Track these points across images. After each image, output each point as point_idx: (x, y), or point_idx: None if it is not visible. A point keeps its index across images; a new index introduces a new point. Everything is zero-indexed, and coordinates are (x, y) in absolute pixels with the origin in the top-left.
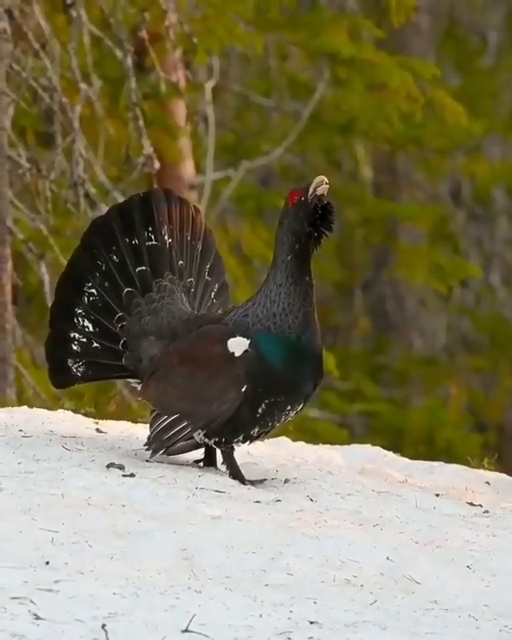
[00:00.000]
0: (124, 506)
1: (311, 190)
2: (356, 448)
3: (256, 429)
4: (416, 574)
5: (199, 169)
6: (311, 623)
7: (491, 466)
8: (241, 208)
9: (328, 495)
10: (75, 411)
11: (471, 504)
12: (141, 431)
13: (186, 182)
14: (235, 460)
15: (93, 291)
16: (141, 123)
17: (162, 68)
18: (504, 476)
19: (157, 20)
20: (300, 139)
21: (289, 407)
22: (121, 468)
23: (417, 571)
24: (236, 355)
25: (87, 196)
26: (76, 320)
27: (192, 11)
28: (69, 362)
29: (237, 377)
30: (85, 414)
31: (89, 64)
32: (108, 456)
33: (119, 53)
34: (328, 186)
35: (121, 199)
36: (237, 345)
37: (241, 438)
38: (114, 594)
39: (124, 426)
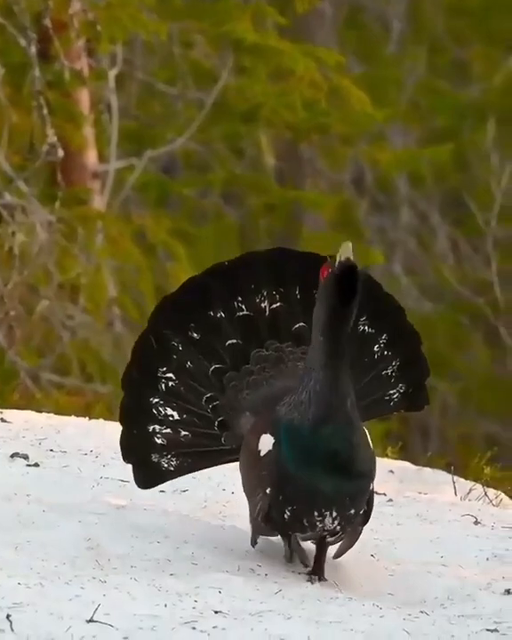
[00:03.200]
0: (28, 496)
1: (338, 259)
2: None
3: (296, 534)
4: None
5: (103, 157)
6: (216, 612)
7: (394, 454)
8: (144, 196)
9: (233, 485)
10: None
11: (375, 493)
12: (45, 421)
13: (89, 170)
14: (297, 547)
15: (170, 374)
16: (45, 111)
17: (66, 56)
18: (408, 464)
19: (61, 8)
20: (203, 127)
21: (316, 514)
22: (25, 457)
23: None
24: (262, 454)
25: None
26: (153, 411)
27: None
28: (154, 457)
29: (261, 478)
30: None
31: None
32: (13, 446)
33: (23, 41)
34: (350, 245)
35: (24, 188)
36: (265, 443)
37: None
38: (18, 584)
39: (28, 415)
